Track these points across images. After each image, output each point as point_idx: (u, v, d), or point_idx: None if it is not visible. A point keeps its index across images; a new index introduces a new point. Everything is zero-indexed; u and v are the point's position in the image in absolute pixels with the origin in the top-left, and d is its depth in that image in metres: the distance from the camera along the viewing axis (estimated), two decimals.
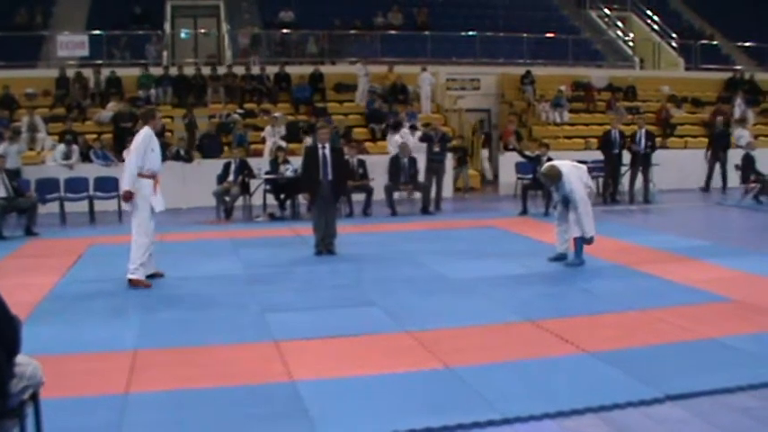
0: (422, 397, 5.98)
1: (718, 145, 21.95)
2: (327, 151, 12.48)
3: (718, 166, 21.91)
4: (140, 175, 10.29)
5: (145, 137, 10.40)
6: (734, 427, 5.32)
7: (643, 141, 19.60)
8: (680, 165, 20.76)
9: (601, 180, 20.16)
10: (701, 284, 9.70)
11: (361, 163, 18.38)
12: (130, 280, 10.23)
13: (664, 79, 29.37)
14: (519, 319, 8.29)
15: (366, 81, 25.41)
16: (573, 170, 11.33)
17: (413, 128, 21.58)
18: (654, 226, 16.05)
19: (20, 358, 4.45)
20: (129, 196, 10.22)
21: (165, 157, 19.76)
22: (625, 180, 20.32)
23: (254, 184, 17.76)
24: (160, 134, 13.54)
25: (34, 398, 4.62)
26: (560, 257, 11.54)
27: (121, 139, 20.85)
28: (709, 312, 8.46)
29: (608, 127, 20.53)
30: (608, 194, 19.78)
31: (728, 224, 16.62)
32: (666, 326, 7.90)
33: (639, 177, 19.72)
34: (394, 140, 20.89)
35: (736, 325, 7.89)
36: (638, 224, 16.15)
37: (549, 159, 17.58)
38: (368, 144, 22.65)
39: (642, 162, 19.63)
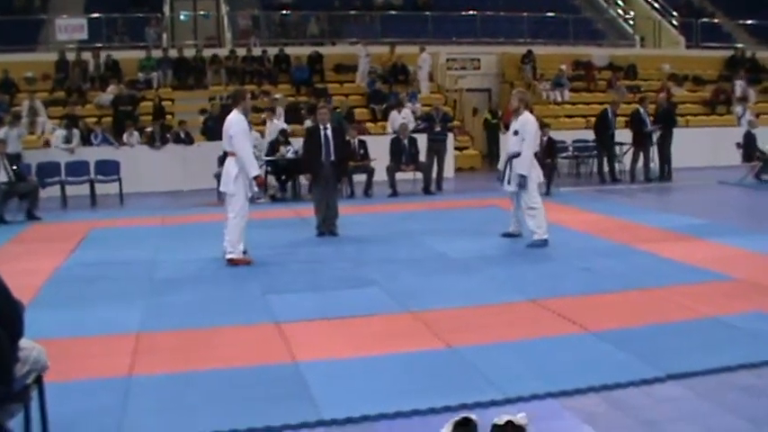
0: (424, 377, 6.00)
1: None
2: (329, 132, 12.49)
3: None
4: (232, 154, 10.36)
5: (242, 120, 10.51)
6: (735, 406, 5.33)
7: (648, 120, 19.60)
8: (681, 144, 20.67)
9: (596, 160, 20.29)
10: (703, 263, 9.71)
11: (362, 144, 18.36)
12: (230, 260, 10.34)
13: (665, 57, 29.24)
14: (520, 298, 8.31)
15: (366, 62, 25.34)
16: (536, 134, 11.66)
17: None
18: (654, 205, 16.05)
19: (23, 342, 4.46)
20: (263, 181, 10.31)
21: (166, 140, 19.99)
22: (626, 159, 20.35)
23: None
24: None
25: (38, 382, 4.63)
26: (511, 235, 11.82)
27: (121, 123, 20.87)
28: (710, 291, 8.48)
29: (605, 106, 20.49)
30: (605, 174, 19.81)
31: (730, 203, 16.61)
32: (668, 305, 7.92)
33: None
34: (395, 117, 20.88)
35: (737, 303, 7.91)
36: (639, 203, 16.14)
37: (550, 140, 17.67)
38: (368, 125, 22.62)
39: (648, 141, 19.63)
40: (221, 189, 10.68)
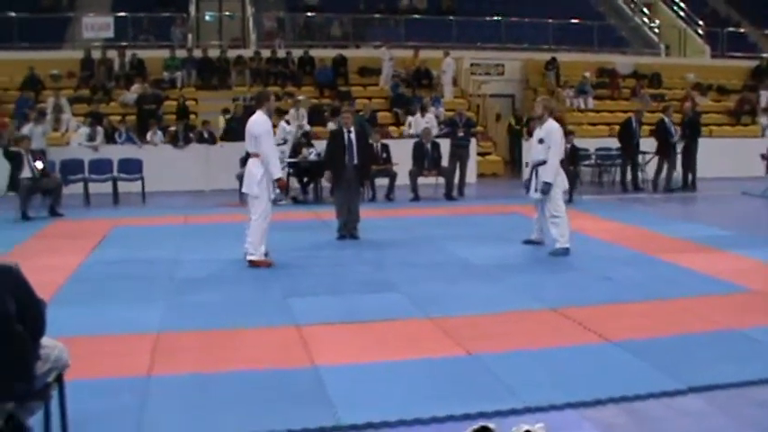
0: (444, 383, 5.99)
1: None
2: (353, 135, 12.50)
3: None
4: (255, 155, 10.40)
5: (266, 121, 10.56)
6: (756, 420, 5.30)
7: (672, 130, 19.54)
8: (704, 154, 20.56)
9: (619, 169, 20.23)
10: (724, 275, 9.65)
11: (385, 147, 18.36)
12: (251, 261, 10.38)
13: (689, 66, 29.09)
14: (541, 306, 8.28)
15: (390, 65, 25.36)
16: (561, 142, 11.53)
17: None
18: (677, 215, 15.98)
19: (45, 341, 4.49)
20: (285, 184, 10.35)
21: (189, 140, 20.05)
22: (649, 168, 20.29)
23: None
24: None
25: (59, 380, 4.66)
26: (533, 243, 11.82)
27: (145, 122, 20.96)
28: (731, 303, 8.43)
29: (630, 115, 20.42)
30: (628, 183, 19.76)
31: (753, 214, 16.48)
32: (689, 316, 7.88)
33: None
34: (418, 121, 20.91)
35: (758, 316, 7.87)
36: (661, 213, 16.06)
37: (574, 147, 17.61)
38: (391, 128, 22.63)
39: (673, 150, 19.57)
40: (244, 191, 10.66)
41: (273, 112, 11.61)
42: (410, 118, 22.13)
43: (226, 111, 21.84)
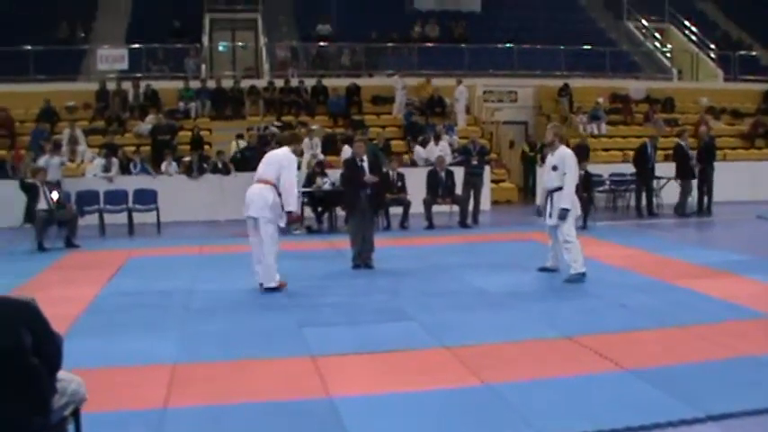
0: (459, 414, 5.97)
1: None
2: (365, 164, 12.53)
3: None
4: (266, 182, 10.58)
5: (292, 158, 10.73)
6: None
7: (689, 153, 19.56)
8: (718, 177, 20.50)
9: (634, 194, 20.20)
10: (741, 300, 9.59)
11: (400, 176, 18.38)
12: (270, 288, 10.58)
13: (702, 91, 29.13)
14: (557, 334, 8.25)
15: (403, 94, 25.45)
16: (576, 167, 11.56)
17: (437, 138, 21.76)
18: (692, 240, 15.92)
19: (62, 374, 4.49)
20: (297, 219, 10.51)
21: (204, 170, 20.13)
22: (663, 194, 20.25)
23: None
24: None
25: (75, 414, 4.65)
26: (548, 270, 11.82)
27: (159, 152, 21.07)
28: (749, 329, 8.37)
29: (645, 140, 20.40)
30: (643, 208, 19.71)
31: None
32: (706, 343, 7.83)
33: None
34: (431, 150, 20.95)
35: None
36: (676, 238, 16.01)
37: (587, 173, 17.59)
38: (405, 156, 22.65)
39: (691, 174, 19.58)
40: (254, 215, 10.64)
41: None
42: (417, 147, 22.19)
43: (240, 136, 21.97)
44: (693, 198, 19.78)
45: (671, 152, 20.28)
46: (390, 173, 18.03)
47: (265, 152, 11.85)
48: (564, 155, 11.28)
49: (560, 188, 11.19)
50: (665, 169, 20.14)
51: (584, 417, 5.80)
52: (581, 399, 6.25)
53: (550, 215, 11.37)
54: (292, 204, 10.50)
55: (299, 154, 11.63)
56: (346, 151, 18.51)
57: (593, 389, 6.49)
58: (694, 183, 19.76)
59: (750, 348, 7.54)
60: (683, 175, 19.64)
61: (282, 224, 10.72)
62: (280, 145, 11.44)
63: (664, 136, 23.08)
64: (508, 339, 8.12)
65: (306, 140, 20.69)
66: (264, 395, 6.45)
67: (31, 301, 4.34)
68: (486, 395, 6.38)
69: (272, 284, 10.51)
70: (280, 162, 10.56)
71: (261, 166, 10.82)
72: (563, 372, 6.96)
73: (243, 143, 21.79)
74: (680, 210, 19.56)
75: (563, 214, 11.13)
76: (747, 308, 9.25)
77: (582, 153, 20.49)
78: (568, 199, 11.15)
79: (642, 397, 6.26)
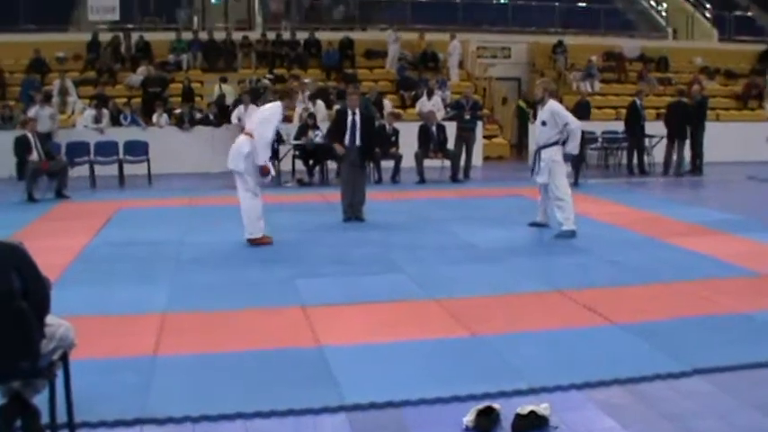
0: (449, 365, 5.99)
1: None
2: (357, 117, 12.47)
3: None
4: (249, 134, 10.48)
5: (278, 113, 10.58)
6: (762, 402, 5.27)
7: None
8: (711, 138, 20.48)
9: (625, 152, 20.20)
10: (730, 258, 9.62)
11: (396, 131, 18.32)
12: (251, 240, 10.55)
13: (697, 50, 28.97)
14: (547, 288, 8.27)
15: (396, 47, 25.28)
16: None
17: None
18: (683, 198, 15.93)
19: (50, 319, 4.49)
20: (267, 172, 10.41)
21: (195, 122, 20.06)
22: (656, 152, 20.23)
23: (282, 149, 17.75)
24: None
25: (64, 359, 4.66)
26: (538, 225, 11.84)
27: (150, 104, 20.96)
28: (737, 286, 8.41)
29: (634, 98, 20.28)
30: (634, 167, 19.70)
31: (759, 198, 16.41)
32: (694, 299, 7.87)
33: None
34: (425, 104, 20.79)
35: (764, 300, 7.84)
36: (668, 196, 16.02)
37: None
38: (402, 111, 22.55)
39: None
40: (230, 166, 10.66)
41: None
42: (423, 100, 21.98)
43: (223, 79, 22.06)
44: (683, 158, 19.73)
45: (664, 111, 20.17)
46: (387, 126, 18.00)
47: (257, 106, 11.78)
48: (552, 109, 11.25)
49: (549, 145, 11.20)
50: (657, 128, 20.08)
51: (572, 369, 5.83)
52: (570, 351, 6.28)
53: (539, 172, 11.37)
54: (261, 157, 10.37)
55: (291, 109, 11.53)
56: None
57: (583, 342, 6.53)
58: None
59: (737, 305, 7.58)
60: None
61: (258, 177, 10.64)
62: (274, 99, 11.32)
63: (656, 94, 22.99)
64: (498, 293, 8.14)
65: (298, 94, 20.60)
66: (254, 344, 6.47)
67: (19, 244, 4.33)
68: (476, 346, 6.41)
69: (250, 236, 10.51)
70: (262, 114, 10.53)
71: (250, 119, 10.79)
72: (553, 325, 6.99)
73: (226, 87, 21.90)
74: (676, 169, 19.50)
75: (568, 157, 11.36)
76: (736, 265, 9.28)
77: (583, 111, 20.58)
78: (577, 144, 11.33)
79: (630, 350, 6.30)
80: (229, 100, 21.06)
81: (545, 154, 11.24)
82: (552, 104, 11.33)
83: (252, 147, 10.34)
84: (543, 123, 11.32)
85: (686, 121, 19.41)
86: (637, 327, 6.85)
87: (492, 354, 6.21)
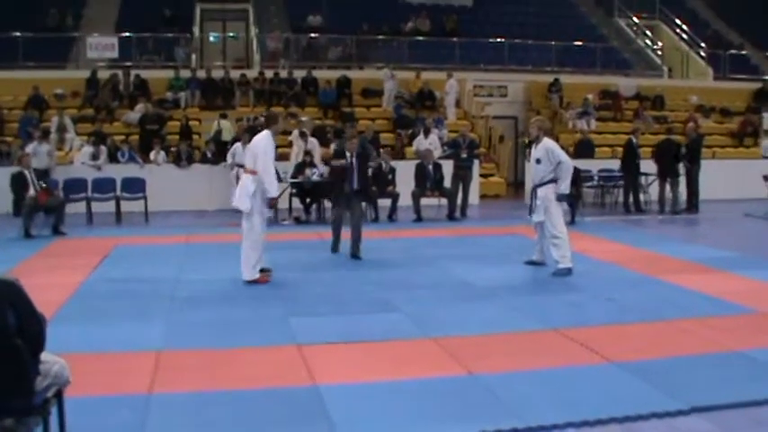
0: (445, 403, 5.97)
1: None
2: (354, 159, 12.55)
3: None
4: (252, 172, 10.48)
5: (269, 142, 10.62)
6: None
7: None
8: (707, 175, 20.53)
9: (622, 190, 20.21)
10: (728, 296, 9.62)
11: (392, 170, 18.36)
12: (248, 281, 10.51)
13: (692, 89, 29.15)
14: (543, 327, 8.26)
15: (393, 85, 25.37)
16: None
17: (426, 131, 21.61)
18: (680, 236, 15.94)
19: (45, 356, 4.48)
20: (275, 203, 10.48)
21: (193, 160, 20.10)
22: (652, 190, 20.26)
23: (280, 187, 17.71)
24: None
25: (58, 396, 4.64)
26: (535, 263, 11.82)
27: (148, 141, 21.00)
28: (735, 324, 8.39)
29: (630, 137, 20.34)
30: (630, 204, 19.72)
31: (756, 236, 16.43)
32: (692, 337, 7.85)
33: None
34: (421, 142, 20.82)
35: (762, 337, 7.83)
36: (665, 234, 16.03)
37: (576, 169, 17.58)
38: (399, 147, 22.60)
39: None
40: (235, 205, 10.74)
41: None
42: (419, 138, 22.05)
43: (223, 116, 22.15)
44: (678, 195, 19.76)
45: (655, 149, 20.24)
46: (383, 164, 18.04)
47: None
48: (547, 147, 11.30)
49: (544, 183, 11.23)
50: (652, 166, 20.12)
51: (569, 408, 5.81)
52: (566, 390, 6.26)
53: (535, 210, 11.39)
54: (272, 190, 10.45)
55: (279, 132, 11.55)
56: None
57: (579, 380, 6.51)
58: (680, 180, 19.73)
59: (735, 343, 7.57)
60: (672, 173, 19.61)
61: (266, 213, 10.68)
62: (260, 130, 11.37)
63: (652, 133, 23.05)
64: (494, 331, 8.13)
65: (295, 132, 20.61)
66: (250, 383, 6.45)
67: (14, 281, 4.32)
68: (471, 385, 6.38)
69: (247, 278, 10.50)
70: (253, 149, 10.56)
71: (247, 155, 10.85)
72: (549, 363, 6.97)
73: (225, 123, 21.99)
74: (672, 207, 19.52)
75: (561, 198, 11.27)
76: (732, 303, 9.28)
77: (586, 150, 20.61)
78: (567, 184, 11.29)
79: (627, 389, 6.28)
80: (226, 136, 21.15)
81: (541, 192, 11.27)
82: (547, 142, 11.38)
83: (257, 184, 10.37)
84: (538, 161, 11.36)
85: (676, 158, 19.46)
86: (633, 365, 6.84)
87: (488, 392, 6.19)
